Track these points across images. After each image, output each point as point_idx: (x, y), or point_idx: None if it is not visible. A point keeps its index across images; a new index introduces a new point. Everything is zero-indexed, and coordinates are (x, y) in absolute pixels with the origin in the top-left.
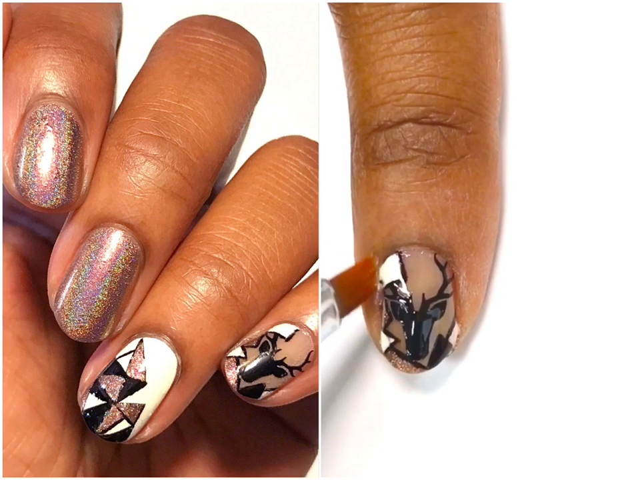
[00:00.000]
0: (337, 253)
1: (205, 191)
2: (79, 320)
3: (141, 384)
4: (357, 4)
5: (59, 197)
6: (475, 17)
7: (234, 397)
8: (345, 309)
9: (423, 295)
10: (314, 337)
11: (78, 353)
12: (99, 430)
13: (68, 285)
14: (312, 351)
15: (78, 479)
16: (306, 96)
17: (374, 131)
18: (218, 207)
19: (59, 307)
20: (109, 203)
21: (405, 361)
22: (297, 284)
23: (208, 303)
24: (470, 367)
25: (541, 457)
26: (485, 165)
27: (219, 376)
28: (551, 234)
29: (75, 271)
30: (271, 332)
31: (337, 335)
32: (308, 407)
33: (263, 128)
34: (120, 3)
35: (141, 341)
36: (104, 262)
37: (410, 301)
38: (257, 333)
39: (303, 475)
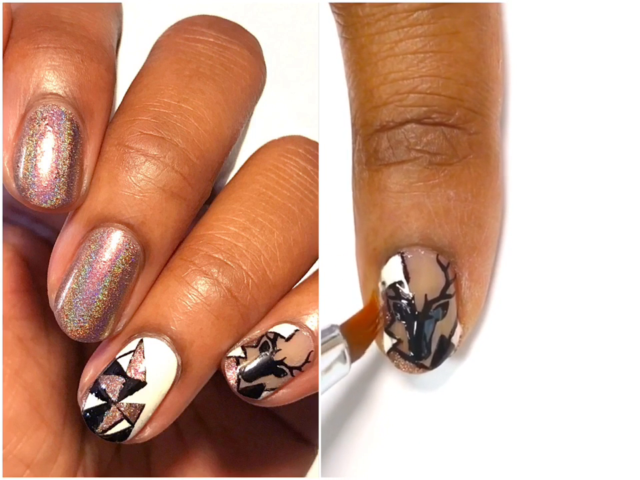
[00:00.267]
0: (337, 253)
1: (205, 191)
2: (79, 320)
3: (140, 384)
4: (360, 4)
5: (58, 197)
6: (478, 17)
7: (234, 397)
8: (355, 355)
9: (426, 295)
10: (314, 337)
11: (78, 353)
12: (99, 430)
13: (68, 285)
14: (312, 350)
15: (78, 479)
16: (306, 96)
17: (376, 132)
18: (218, 207)
19: (59, 307)
20: (109, 203)
21: (407, 362)
22: (297, 284)
23: (208, 302)
24: (471, 367)
25: (544, 457)
26: (487, 166)
27: (219, 376)
28: (551, 234)
29: (75, 270)
30: (271, 332)
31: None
32: (308, 406)
33: (262, 128)
34: (120, 3)
35: (141, 341)
36: (104, 262)
37: (412, 301)
38: (257, 333)
39: (303, 475)
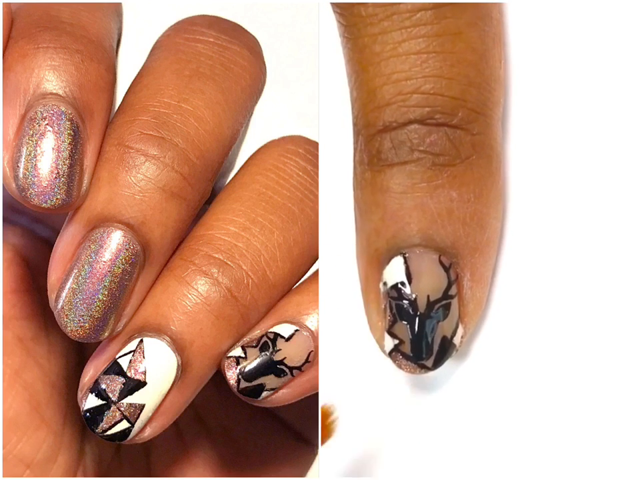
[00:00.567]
0: (336, 253)
1: (204, 191)
2: (79, 320)
3: (141, 384)
4: (362, 4)
5: (59, 196)
6: (480, 17)
7: (234, 397)
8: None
9: (428, 296)
10: (314, 336)
11: (78, 353)
12: (99, 430)
13: (68, 285)
14: (312, 350)
15: (78, 479)
16: (306, 96)
17: (379, 132)
18: (218, 207)
19: (59, 307)
20: (109, 203)
21: (409, 362)
22: (297, 284)
23: (208, 302)
24: (473, 367)
25: (546, 457)
26: (489, 166)
27: (219, 376)
28: (551, 234)
29: (75, 270)
30: (271, 332)
31: (338, 335)
32: (308, 406)
33: (263, 128)
34: (120, 3)
35: (141, 341)
36: (104, 262)
37: (415, 302)
38: (257, 332)
39: (303, 475)
